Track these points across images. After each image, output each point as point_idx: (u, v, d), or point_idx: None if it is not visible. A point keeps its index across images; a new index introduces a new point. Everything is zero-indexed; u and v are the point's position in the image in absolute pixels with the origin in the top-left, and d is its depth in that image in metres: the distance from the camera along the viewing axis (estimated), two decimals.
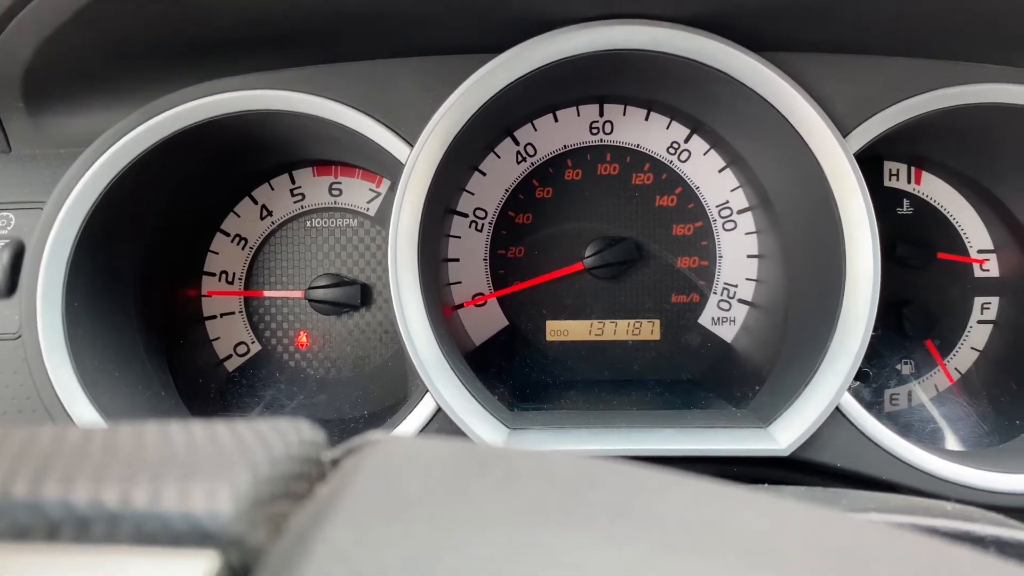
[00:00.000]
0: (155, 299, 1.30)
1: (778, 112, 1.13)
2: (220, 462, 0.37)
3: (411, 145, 1.12)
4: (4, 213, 1.17)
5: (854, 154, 1.13)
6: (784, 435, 1.09)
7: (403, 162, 1.12)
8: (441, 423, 1.10)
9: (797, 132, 1.13)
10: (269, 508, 0.36)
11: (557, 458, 0.44)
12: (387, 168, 1.23)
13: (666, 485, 0.41)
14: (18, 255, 1.12)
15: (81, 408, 1.04)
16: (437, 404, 1.10)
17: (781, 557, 0.36)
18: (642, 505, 0.39)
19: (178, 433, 0.41)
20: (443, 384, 1.09)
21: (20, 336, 1.06)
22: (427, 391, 1.10)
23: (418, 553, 0.32)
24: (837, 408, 1.10)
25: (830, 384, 1.09)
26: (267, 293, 1.43)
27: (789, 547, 0.37)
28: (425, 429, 1.10)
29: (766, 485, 0.90)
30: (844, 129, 1.13)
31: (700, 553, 0.35)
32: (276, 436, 0.42)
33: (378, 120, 1.13)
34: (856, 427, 1.10)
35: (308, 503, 0.38)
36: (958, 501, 0.96)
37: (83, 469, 0.35)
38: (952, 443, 1.33)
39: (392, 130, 1.13)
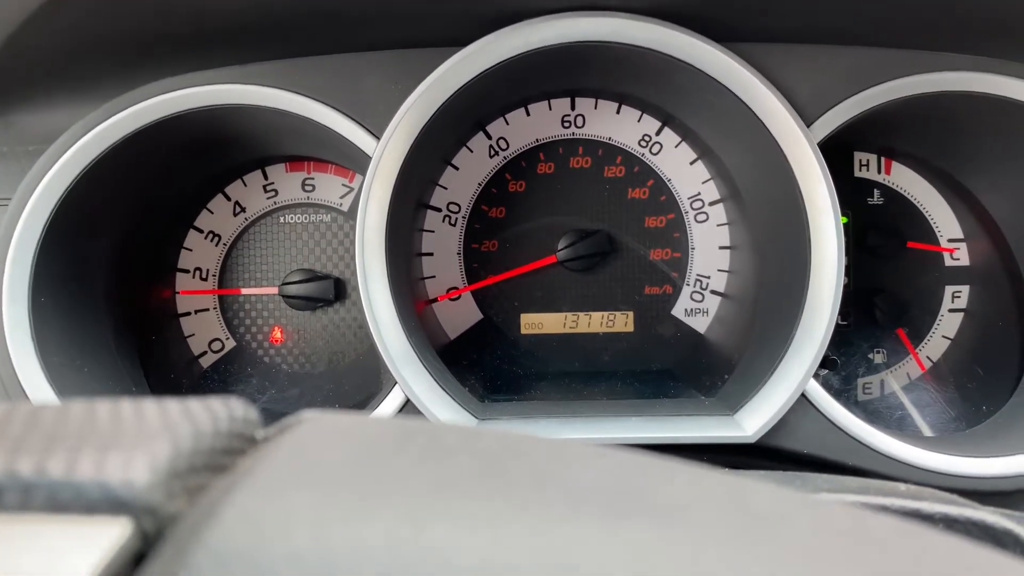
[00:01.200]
0: (127, 295, 1.30)
1: (742, 102, 1.14)
2: (142, 435, 0.38)
3: (377, 138, 1.13)
4: None
5: (818, 143, 1.14)
6: (751, 422, 1.10)
7: (370, 155, 1.12)
8: (410, 415, 1.11)
9: (761, 122, 1.14)
10: (188, 479, 0.37)
11: (487, 433, 0.44)
12: (357, 163, 1.23)
13: (587, 456, 0.42)
14: None
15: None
16: (406, 396, 1.10)
17: (691, 518, 0.37)
18: (560, 474, 0.39)
19: (105, 409, 0.41)
20: (412, 376, 1.10)
21: None
22: (396, 383, 1.11)
23: (325, 518, 0.33)
24: (803, 395, 1.11)
25: (796, 371, 1.10)
26: (241, 291, 1.43)
27: (701, 510, 0.38)
28: None
29: (726, 470, 0.90)
30: (808, 119, 1.14)
31: (612, 516, 0.36)
32: (205, 413, 0.42)
33: (344, 114, 1.13)
34: (822, 413, 1.11)
35: (227, 475, 0.38)
36: (920, 484, 0.97)
37: (2, 440, 0.36)
38: (921, 429, 1.34)
39: (359, 123, 1.13)
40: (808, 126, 1.13)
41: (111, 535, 0.32)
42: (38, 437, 0.37)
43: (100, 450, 0.36)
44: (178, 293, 1.42)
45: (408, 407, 1.11)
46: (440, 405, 1.10)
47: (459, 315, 1.46)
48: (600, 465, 0.42)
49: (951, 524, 0.69)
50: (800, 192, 1.13)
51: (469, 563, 0.32)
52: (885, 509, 0.69)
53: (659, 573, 0.33)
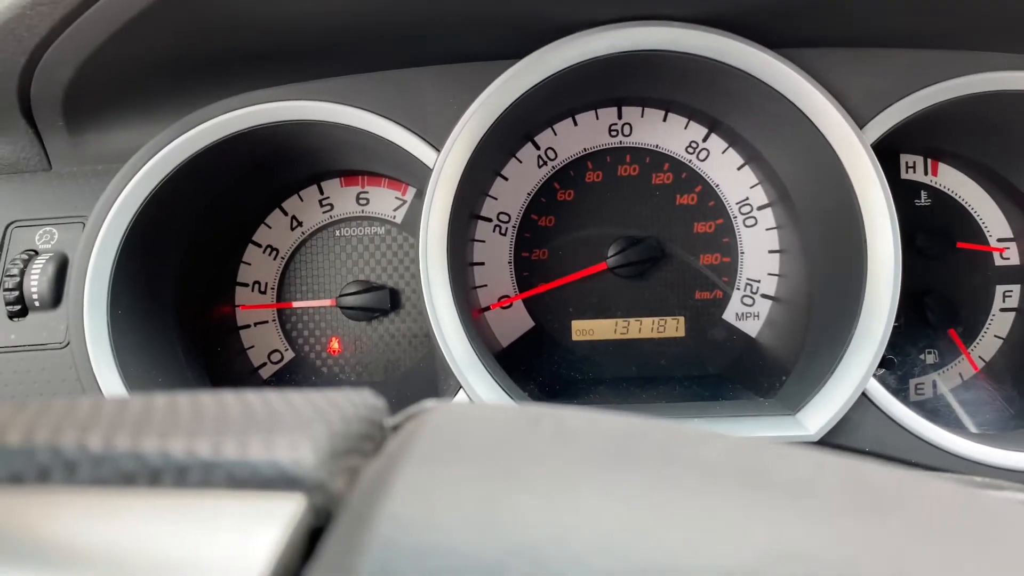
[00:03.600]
0: (192, 309, 1.34)
1: (795, 107, 1.16)
2: (298, 420, 0.40)
3: (438, 150, 1.16)
4: (47, 228, 1.21)
5: (871, 145, 1.15)
6: (812, 421, 1.11)
7: (431, 167, 1.15)
8: None
9: (814, 125, 1.16)
10: (344, 460, 0.39)
11: (603, 416, 0.46)
12: (413, 174, 1.26)
13: (705, 437, 0.44)
14: (62, 268, 1.17)
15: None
16: (470, 400, 1.13)
17: (822, 492, 0.39)
18: (686, 452, 0.41)
19: (255, 398, 0.44)
20: (476, 381, 1.12)
21: (67, 345, 1.10)
22: (460, 389, 1.13)
23: (489, 487, 0.35)
24: (864, 394, 1.12)
25: (856, 370, 1.11)
26: (297, 304, 1.46)
27: (829, 485, 0.40)
28: None
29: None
30: (860, 121, 1.16)
31: (745, 489, 0.38)
32: (344, 401, 0.45)
33: (405, 127, 1.16)
34: (883, 412, 1.12)
35: (378, 457, 0.41)
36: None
37: (176, 426, 0.38)
38: (979, 427, 1.34)
39: (419, 136, 1.16)
40: (861, 128, 1.15)
41: (289, 509, 0.35)
42: (205, 422, 0.39)
43: (266, 433, 0.38)
44: (238, 308, 1.45)
45: None
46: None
47: (511, 323, 1.49)
48: (721, 444, 0.44)
49: None
50: (855, 194, 1.15)
51: (616, 527, 0.34)
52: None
53: (789, 540, 0.35)
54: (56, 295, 1.16)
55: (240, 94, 1.16)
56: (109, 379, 1.08)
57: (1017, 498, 0.69)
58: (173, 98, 1.20)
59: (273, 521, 0.34)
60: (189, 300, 1.33)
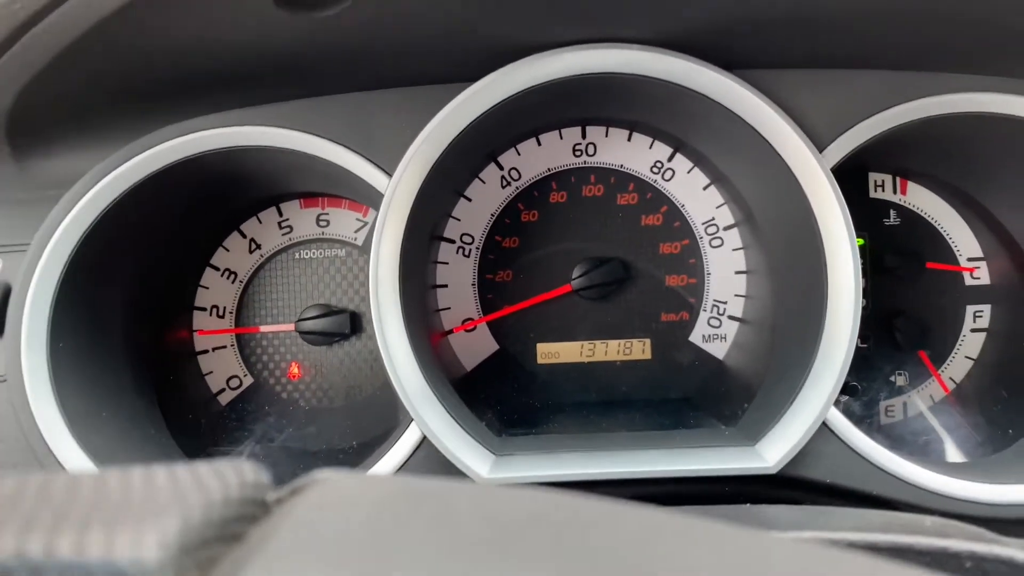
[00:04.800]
0: (144, 336, 1.31)
1: (753, 129, 1.14)
2: (151, 508, 0.38)
3: (389, 175, 1.13)
4: None
5: (832, 168, 1.13)
6: (771, 452, 1.08)
7: (383, 192, 1.13)
8: (427, 451, 1.11)
9: (773, 148, 1.14)
10: (200, 553, 0.37)
11: (502, 494, 0.44)
12: (371, 199, 1.24)
13: (605, 517, 0.41)
14: (5, 298, 1.14)
15: (68, 450, 1.05)
16: (422, 433, 1.10)
17: None
18: (586, 544, 0.39)
19: (114, 479, 0.41)
20: (428, 413, 1.10)
21: (5, 380, 1.07)
22: (412, 419, 1.11)
23: None
24: (824, 423, 1.09)
25: (816, 399, 1.09)
26: (259, 329, 1.44)
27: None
28: (411, 458, 1.11)
29: (748, 505, 0.89)
30: (820, 144, 1.13)
31: None
32: (215, 479, 0.42)
33: (356, 152, 1.14)
34: (844, 442, 1.10)
35: (239, 546, 0.38)
36: (947, 514, 0.96)
37: (11, 520, 0.36)
38: (946, 454, 1.32)
39: (371, 161, 1.14)
40: (821, 151, 1.13)
41: None
42: (47, 512, 0.37)
43: (108, 526, 0.36)
44: (195, 333, 1.42)
45: (424, 444, 1.11)
46: (457, 441, 1.10)
47: (475, 346, 1.46)
48: (620, 528, 0.41)
49: (980, 563, 0.68)
50: (815, 217, 1.13)
51: None
52: (911, 550, 0.68)
53: None
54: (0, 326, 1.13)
55: (188, 119, 1.14)
56: (48, 415, 1.05)
57: (960, 548, 0.66)
58: (122, 123, 1.17)
59: None
60: (141, 327, 1.30)
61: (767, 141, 1.13)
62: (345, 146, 1.14)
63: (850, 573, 0.41)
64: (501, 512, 0.42)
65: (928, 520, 0.78)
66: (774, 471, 1.07)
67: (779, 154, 1.13)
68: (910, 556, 0.66)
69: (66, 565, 0.34)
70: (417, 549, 0.37)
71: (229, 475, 0.43)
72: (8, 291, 1.14)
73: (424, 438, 1.10)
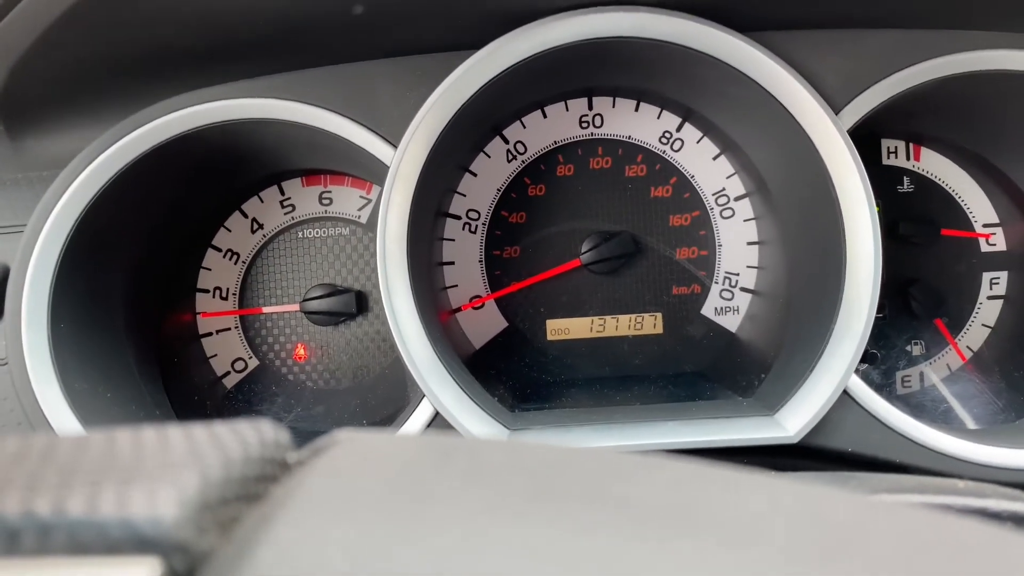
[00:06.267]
0: (147, 318, 1.29)
1: (768, 93, 1.11)
2: (167, 466, 0.35)
3: (394, 146, 1.10)
4: None
5: (848, 131, 1.10)
6: (792, 422, 1.06)
7: (387, 164, 1.10)
8: (439, 427, 1.08)
9: (788, 112, 1.11)
10: (219, 511, 0.34)
11: (529, 447, 0.41)
12: (374, 173, 1.21)
13: (641, 468, 0.39)
14: (3, 280, 1.11)
15: (72, 431, 1.02)
16: (435, 409, 1.08)
17: (771, 537, 0.34)
18: (617, 490, 0.36)
19: (126, 438, 0.38)
20: (440, 388, 1.07)
21: (7, 363, 1.05)
22: (424, 396, 1.08)
23: (364, 551, 0.30)
24: (845, 391, 1.07)
25: (836, 367, 1.06)
26: (263, 310, 1.41)
27: (772, 527, 0.35)
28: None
29: (771, 473, 0.87)
30: (836, 106, 1.10)
31: (677, 538, 0.33)
32: (233, 438, 0.40)
33: (359, 123, 1.11)
34: (866, 410, 1.07)
35: (261, 505, 0.36)
36: (972, 479, 0.93)
37: (15, 478, 0.33)
38: (966, 421, 1.30)
39: (375, 132, 1.11)
40: (837, 113, 1.10)
41: None
42: (55, 472, 0.34)
43: (122, 484, 0.33)
44: (198, 315, 1.40)
45: (437, 420, 1.08)
46: (469, 416, 1.07)
47: (483, 324, 1.44)
48: (653, 478, 0.39)
49: (1020, 522, 0.65)
50: (832, 182, 1.10)
51: None
52: (948, 509, 0.66)
53: None
54: None
55: (185, 93, 1.11)
56: (50, 397, 1.02)
57: (1000, 508, 0.64)
58: (117, 99, 1.14)
59: None
60: (144, 309, 1.27)
61: (781, 104, 1.11)
62: (348, 117, 1.11)
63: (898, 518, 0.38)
64: (529, 464, 0.39)
65: (960, 482, 0.76)
66: (795, 440, 1.05)
67: (794, 117, 1.10)
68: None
69: (77, 523, 0.31)
70: (443, 504, 0.34)
71: (248, 434, 0.40)
72: (7, 273, 1.12)
73: (436, 414, 1.08)
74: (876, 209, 1.10)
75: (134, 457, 0.36)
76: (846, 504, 0.39)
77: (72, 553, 0.31)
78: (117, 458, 0.36)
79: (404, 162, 1.09)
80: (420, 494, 0.34)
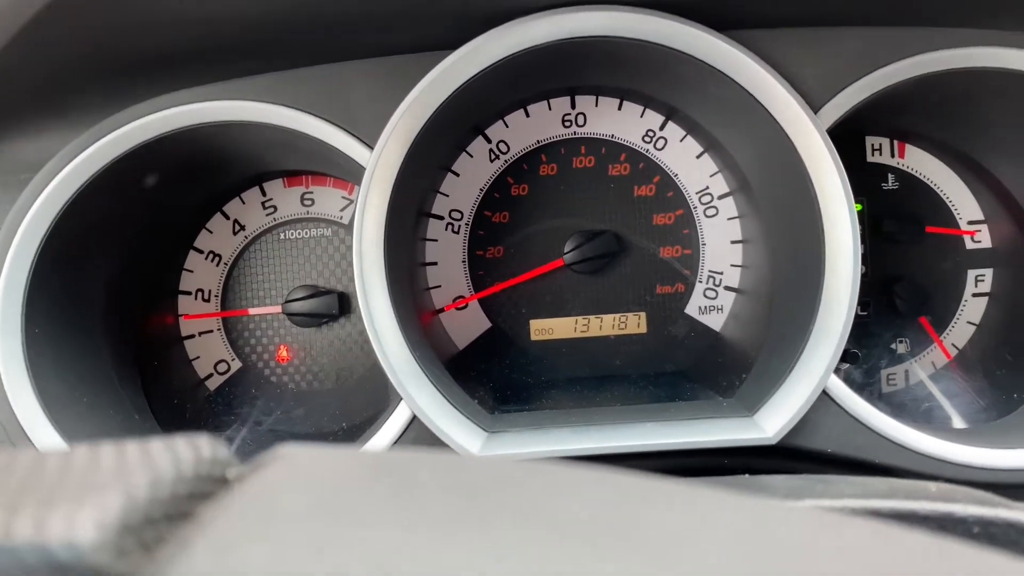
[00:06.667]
0: (127, 321, 1.28)
1: (746, 92, 1.10)
2: (91, 487, 0.35)
3: (371, 148, 1.10)
4: None
5: (827, 130, 1.09)
6: (770, 423, 1.06)
7: (364, 166, 1.09)
8: (417, 431, 1.08)
9: (767, 111, 1.10)
10: (143, 533, 0.34)
11: (468, 464, 0.41)
12: (353, 174, 1.20)
13: (577, 483, 0.38)
14: None
15: (47, 437, 1.02)
16: (412, 412, 1.07)
17: (686, 555, 0.34)
18: (545, 505, 0.36)
19: (56, 458, 0.38)
20: (417, 391, 1.07)
21: None
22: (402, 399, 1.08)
23: (280, 570, 0.30)
24: (824, 391, 1.06)
25: (815, 367, 1.06)
26: (243, 311, 1.41)
27: (702, 543, 0.34)
28: (401, 438, 1.08)
29: (746, 476, 0.86)
30: (815, 105, 1.10)
31: (595, 554, 0.33)
32: (167, 455, 0.39)
33: (336, 124, 1.10)
34: (845, 410, 1.07)
35: (189, 524, 0.35)
36: (951, 480, 0.93)
37: None
38: (949, 420, 1.29)
39: (351, 134, 1.11)
40: (816, 112, 1.09)
41: None
42: None
43: (41, 506, 0.33)
44: (181, 318, 1.39)
45: (415, 423, 1.08)
46: (448, 419, 1.07)
47: (467, 324, 1.43)
48: (586, 493, 0.38)
49: (987, 527, 0.65)
50: (811, 181, 1.09)
51: None
52: (916, 515, 0.65)
53: None
54: None
55: (161, 96, 1.10)
56: (24, 401, 1.02)
57: (967, 513, 0.63)
58: (94, 102, 1.13)
59: None
60: (123, 312, 1.27)
61: (760, 103, 1.10)
62: (324, 119, 1.10)
63: (850, 536, 0.38)
64: (463, 480, 0.39)
65: (933, 486, 0.75)
66: (773, 441, 1.04)
67: (773, 116, 1.10)
68: (915, 521, 0.63)
69: None
70: (365, 523, 0.34)
71: (183, 451, 0.40)
72: None
73: (414, 417, 1.07)
74: (857, 208, 1.09)
75: (59, 478, 0.35)
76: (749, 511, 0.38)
77: None
78: (42, 479, 0.35)
79: (380, 164, 1.08)
80: (343, 512, 0.34)
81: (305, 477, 0.38)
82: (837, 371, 1.07)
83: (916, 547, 0.36)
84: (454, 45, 1.11)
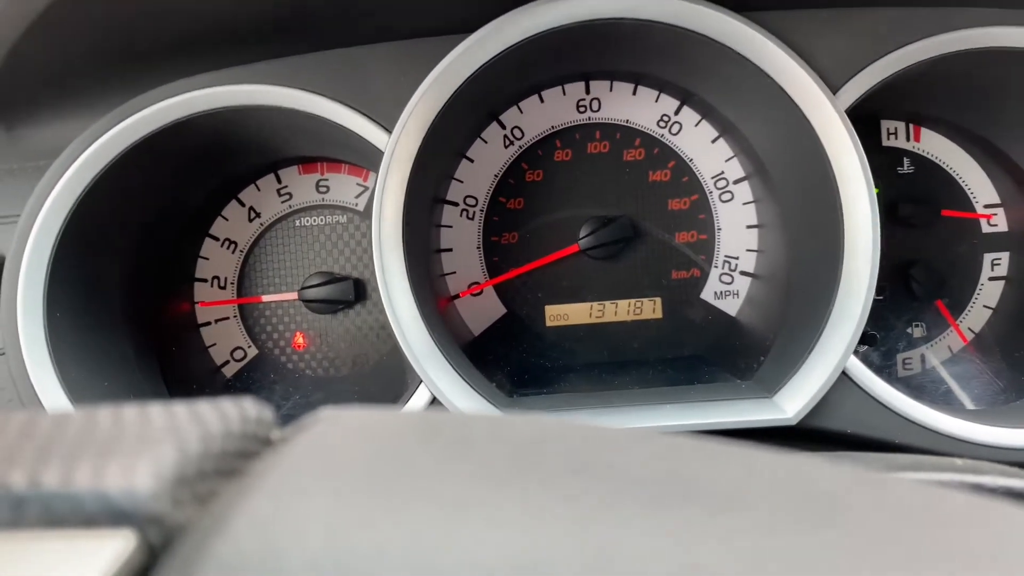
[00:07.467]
0: (145, 307, 1.29)
1: (764, 73, 1.10)
2: (145, 440, 0.35)
3: (389, 132, 1.10)
4: None
5: (845, 110, 1.09)
6: (790, 404, 1.06)
7: (382, 150, 1.10)
8: None
9: (785, 92, 1.10)
10: (196, 485, 0.34)
11: (515, 420, 0.41)
12: (370, 159, 1.20)
13: (628, 439, 0.38)
14: None
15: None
16: (432, 395, 1.07)
17: (752, 506, 0.34)
18: (601, 460, 0.36)
19: (106, 415, 0.38)
20: (437, 373, 1.07)
21: (3, 353, 1.05)
22: (421, 382, 1.08)
23: (342, 522, 0.30)
24: (844, 372, 1.06)
25: (835, 348, 1.06)
26: (261, 299, 1.41)
27: (760, 495, 0.34)
28: None
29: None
30: (833, 85, 1.10)
31: (660, 506, 0.33)
32: (215, 414, 0.39)
33: (354, 108, 1.10)
34: (864, 391, 1.07)
35: (239, 480, 0.35)
36: (972, 459, 0.93)
37: None
38: (967, 402, 1.29)
39: (369, 117, 1.11)
40: (834, 93, 1.09)
41: (113, 550, 0.30)
42: (32, 446, 0.34)
43: (99, 457, 0.33)
44: (197, 305, 1.40)
45: (434, 406, 1.08)
46: (467, 402, 1.07)
47: (482, 310, 1.43)
48: (642, 450, 0.38)
49: (1016, 498, 0.65)
50: (829, 162, 1.09)
51: (499, 560, 0.29)
52: (945, 486, 0.65)
53: (717, 569, 0.30)
54: None
55: (178, 80, 1.10)
56: (48, 386, 1.02)
57: (996, 484, 0.64)
58: (111, 87, 1.14)
59: (90, 566, 0.29)
60: (141, 298, 1.27)
61: (778, 85, 1.10)
62: (341, 102, 1.10)
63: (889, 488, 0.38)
64: (513, 436, 0.39)
65: (959, 460, 0.75)
66: (793, 422, 1.04)
67: (791, 97, 1.10)
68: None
69: (52, 496, 0.31)
70: (424, 477, 0.34)
71: (230, 411, 0.40)
72: (1, 263, 1.12)
73: (434, 400, 1.07)
74: (875, 190, 1.09)
75: (113, 432, 0.36)
76: (836, 474, 0.38)
77: (46, 526, 0.31)
78: (96, 433, 0.36)
79: (399, 147, 1.08)
80: (401, 467, 0.34)
81: (353, 435, 0.39)
82: (855, 353, 1.07)
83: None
84: (471, 28, 1.11)
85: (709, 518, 0.32)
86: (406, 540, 0.29)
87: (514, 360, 1.38)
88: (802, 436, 1.08)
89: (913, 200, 1.38)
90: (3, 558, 0.29)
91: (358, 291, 1.39)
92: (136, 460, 0.33)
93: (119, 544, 0.30)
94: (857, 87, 1.10)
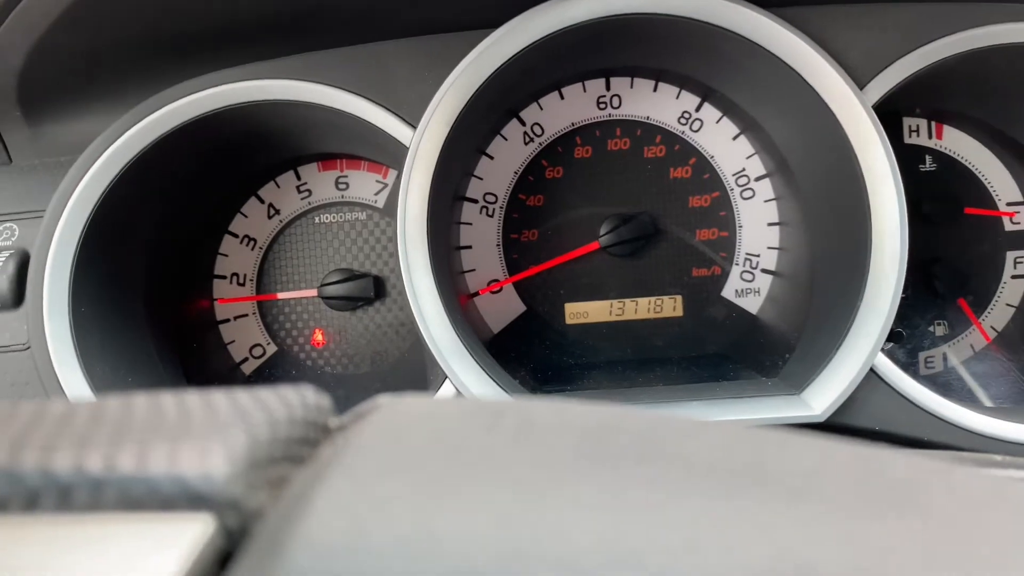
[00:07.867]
0: (165, 303, 1.28)
1: (790, 68, 1.10)
2: (215, 425, 0.35)
3: (414, 127, 1.09)
4: (7, 224, 1.15)
5: (872, 106, 1.09)
6: (818, 401, 1.05)
7: (407, 145, 1.09)
8: None
9: (812, 87, 1.09)
10: (268, 471, 0.34)
11: (578, 408, 0.40)
12: (391, 155, 1.20)
13: (692, 427, 0.38)
14: (23, 265, 1.11)
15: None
16: (457, 391, 1.07)
17: (829, 490, 0.33)
18: (668, 446, 0.35)
19: (172, 400, 0.38)
20: (462, 369, 1.06)
21: (29, 347, 1.05)
22: (446, 378, 1.08)
23: (423, 503, 0.29)
24: (872, 370, 1.06)
25: (863, 345, 1.05)
26: (278, 295, 1.41)
27: (836, 481, 0.34)
28: None
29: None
30: (860, 81, 1.09)
31: (736, 490, 0.32)
32: (277, 401, 0.39)
33: (378, 104, 1.10)
34: (893, 388, 1.06)
35: (309, 465, 0.35)
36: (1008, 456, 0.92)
37: (66, 437, 0.33)
38: (992, 400, 1.28)
39: (394, 113, 1.10)
40: (861, 88, 1.08)
41: (193, 533, 0.29)
42: (104, 431, 0.33)
43: (172, 442, 0.32)
44: (216, 302, 1.39)
45: None
46: (492, 397, 1.07)
47: (502, 308, 1.43)
48: (709, 435, 0.38)
49: None
50: (856, 158, 1.08)
51: (586, 542, 0.28)
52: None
53: (791, 549, 0.29)
54: (18, 294, 1.10)
55: (202, 75, 1.10)
56: (73, 381, 1.02)
57: None
58: (134, 82, 1.14)
59: (173, 549, 0.28)
60: (162, 295, 1.27)
61: (804, 80, 1.09)
62: (366, 98, 1.10)
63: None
64: (578, 422, 0.39)
65: (997, 456, 0.75)
66: (822, 419, 1.04)
67: (817, 93, 1.09)
68: None
69: (129, 480, 0.31)
70: (498, 461, 0.33)
71: (292, 397, 0.40)
72: (27, 258, 1.12)
73: (458, 395, 1.07)
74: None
75: (181, 417, 0.35)
76: (906, 464, 0.38)
77: (124, 509, 0.30)
78: (164, 418, 0.35)
79: (424, 143, 1.08)
80: (473, 451, 0.34)
81: (416, 421, 0.38)
82: (882, 350, 1.07)
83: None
84: (495, 24, 1.11)
85: (790, 505, 0.32)
86: (494, 520, 0.29)
87: (536, 357, 1.38)
88: (831, 433, 1.07)
89: (935, 198, 1.37)
90: (87, 541, 0.29)
91: (378, 288, 1.39)
92: (210, 444, 0.32)
93: (198, 528, 0.29)
94: (884, 83, 1.10)
